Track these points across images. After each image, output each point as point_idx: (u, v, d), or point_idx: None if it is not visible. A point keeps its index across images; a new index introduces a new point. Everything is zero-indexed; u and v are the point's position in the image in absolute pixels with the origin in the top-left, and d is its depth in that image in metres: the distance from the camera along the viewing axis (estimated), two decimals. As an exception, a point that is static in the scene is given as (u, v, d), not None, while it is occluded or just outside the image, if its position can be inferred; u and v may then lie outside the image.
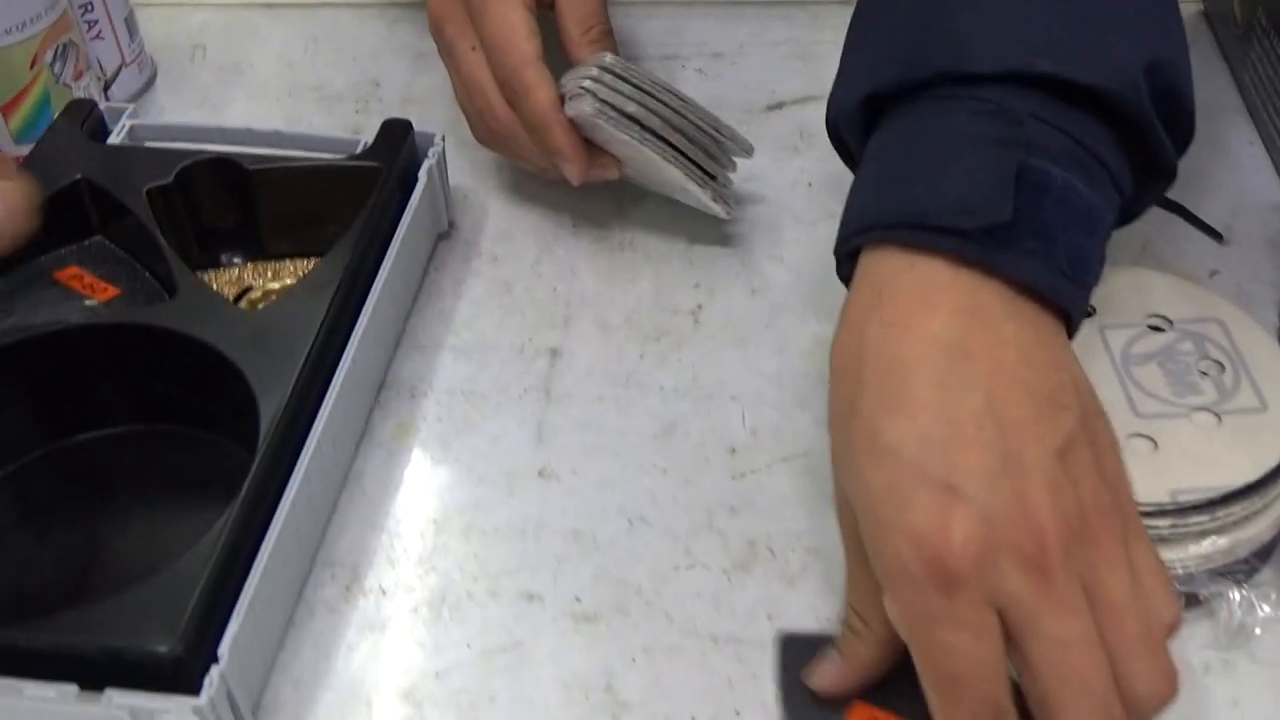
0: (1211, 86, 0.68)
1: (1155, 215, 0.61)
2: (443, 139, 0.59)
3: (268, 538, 0.44)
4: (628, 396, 0.55)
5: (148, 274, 0.55)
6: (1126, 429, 0.47)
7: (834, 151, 0.51)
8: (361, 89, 0.70)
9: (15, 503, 0.50)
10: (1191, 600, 0.46)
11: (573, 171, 0.57)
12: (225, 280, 0.57)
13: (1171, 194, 0.61)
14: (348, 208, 0.55)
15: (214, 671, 0.41)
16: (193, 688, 0.41)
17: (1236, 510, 0.45)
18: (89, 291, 0.54)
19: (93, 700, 0.40)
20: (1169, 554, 0.45)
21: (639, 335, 0.57)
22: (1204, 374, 0.48)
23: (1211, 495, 0.45)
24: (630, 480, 0.51)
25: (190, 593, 0.41)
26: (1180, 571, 0.45)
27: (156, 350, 0.50)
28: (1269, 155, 0.64)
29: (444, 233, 0.61)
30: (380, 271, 0.53)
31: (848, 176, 0.48)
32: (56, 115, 0.60)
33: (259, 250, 0.58)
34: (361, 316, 0.52)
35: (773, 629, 0.46)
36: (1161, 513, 0.45)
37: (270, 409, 0.47)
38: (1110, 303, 0.51)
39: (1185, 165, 0.64)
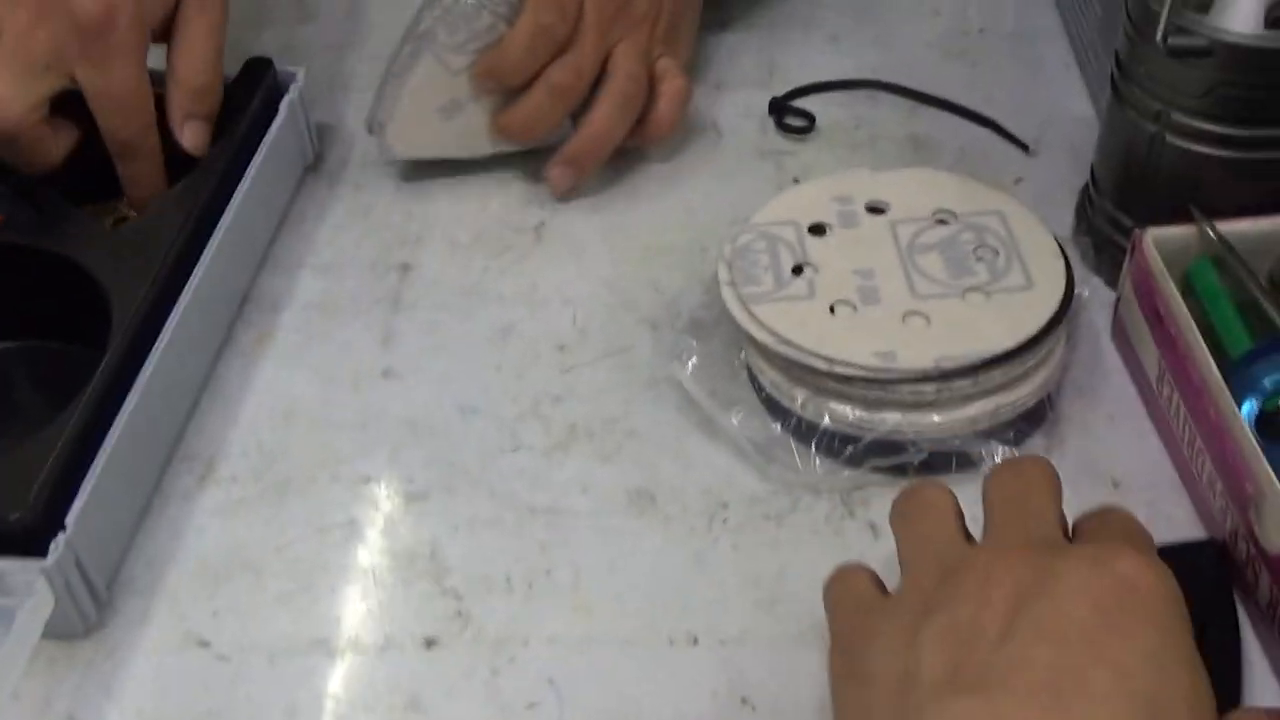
0: (1035, 11, 0.73)
1: (970, 129, 0.65)
2: (303, 76, 0.63)
3: (115, 424, 0.49)
4: (469, 305, 0.59)
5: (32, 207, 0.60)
6: (903, 308, 0.51)
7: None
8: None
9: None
10: (964, 460, 0.50)
11: None
12: (105, 211, 0.61)
13: (988, 110, 0.66)
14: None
15: (60, 538, 0.45)
16: (42, 551, 0.45)
17: (996, 375, 0.49)
18: (-28, 220, 0.58)
19: (-50, 564, 0.45)
20: (938, 417, 0.50)
21: (485, 250, 0.61)
22: (980, 259, 0.53)
23: (972, 361, 0.49)
24: (465, 376, 0.56)
25: (40, 468, 0.46)
26: (951, 434, 0.50)
27: (25, 268, 0.55)
28: (1082, 76, 0.68)
29: (310, 165, 0.66)
30: (236, 193, 0.58)
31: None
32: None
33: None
34: (216, 232, 0.56)
35: (586, 501, 0.51)
36: (927, 378, 0.49)
37: (123, 311, 0.51)
38: (903, 200, 0.56)
39: (1002, 83, 0.70)
